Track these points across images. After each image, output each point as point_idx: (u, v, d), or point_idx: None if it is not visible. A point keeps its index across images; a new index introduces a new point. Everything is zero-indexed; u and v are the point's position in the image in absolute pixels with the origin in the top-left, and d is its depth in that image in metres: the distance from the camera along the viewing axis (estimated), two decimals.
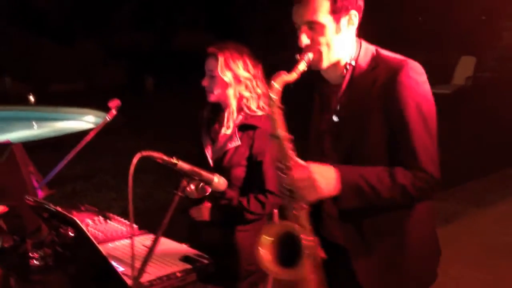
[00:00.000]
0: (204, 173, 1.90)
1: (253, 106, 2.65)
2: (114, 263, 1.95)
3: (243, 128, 2.64)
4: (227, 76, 2.61)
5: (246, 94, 2.64)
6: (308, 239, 1.70)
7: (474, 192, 5.88)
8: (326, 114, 1.91)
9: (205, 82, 2.68)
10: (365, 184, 1.71)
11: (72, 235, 2.00)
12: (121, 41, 17.31)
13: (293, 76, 1.75)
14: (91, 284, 1.91)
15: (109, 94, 2.76)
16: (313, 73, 1.92)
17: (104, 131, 2.74)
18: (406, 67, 1.75)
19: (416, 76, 1.76)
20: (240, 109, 2.67)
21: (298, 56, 1.78)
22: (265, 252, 1.74)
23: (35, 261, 2.09)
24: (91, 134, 2.63)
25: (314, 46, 1.78)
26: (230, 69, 2.62)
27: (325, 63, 1.82)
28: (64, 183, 6.18)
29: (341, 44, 1.81)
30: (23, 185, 2.17)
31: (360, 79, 1.82)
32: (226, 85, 2.63)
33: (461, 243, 4.42)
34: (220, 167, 2.62)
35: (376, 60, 1.82)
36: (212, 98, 2.68)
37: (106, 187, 6.39)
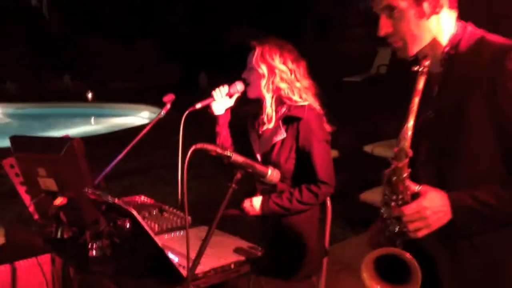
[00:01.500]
0: (258, 166, 1.91)
1: (295, 97, 2.64)
2: (169, 254, 1.98)
3: (287, 120, 2.64)
4: (262, 68, 2.62)
5: (283, 85, 2.63)
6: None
7: None
8: (424, 109, 1.61)
9: (244, 74, 2.72)
10: (482, 207, 1.50)
11: (129, 226, 2.05)
12: (176, 39, 17.56)
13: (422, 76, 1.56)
14: (148, 274, 1.94)
15: (164, 91, 2.81)
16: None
17: (159, 126, 2.79)
18: None
19: None
20: (279, 101, 2.67)
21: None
22: (370, 276, 1.56)
23: (93, 252, 2.15)
24: (147, 129, 2.68)
25: (396, 34, 1.61)
26: (265, 61, 2.63)
27: (413, 50, 1.62)
28: (121, 177, 6.33)
29: (427, 28, 1.59)
30: (82, 178, 2.22)
31: (459, 68, 1.58)
32: (260, 76, 2.64)
33: None
34: (268, 162, 2.62)
35: (479, 45, 1.57)
36: (250, 93, 2.71)
37: (161, 181, 6.50)
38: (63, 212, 2.30)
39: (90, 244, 2.16)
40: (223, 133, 2.84)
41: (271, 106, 2.68)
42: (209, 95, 2.75)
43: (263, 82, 2.65)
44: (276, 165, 2.59)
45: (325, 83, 2.77)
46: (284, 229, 2.65)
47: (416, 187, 1.51)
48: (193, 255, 1.78)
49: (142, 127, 2.64)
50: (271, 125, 2.68)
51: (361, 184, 5.04)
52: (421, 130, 1.61)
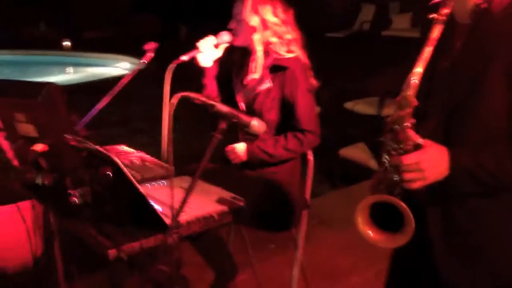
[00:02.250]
0: (243, 116, 1.88)
1: (282, 50, 2.61)
2: (152, 203, 1.96)
3: (273, 69, 2.62)
4: (254, 20, 2.57)
5: (273, 39, 2.60)
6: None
7: None
8: (440, 60, 1.57)
9: (231, 25, 2.65)
10: (480, 170, 1.46)
11: (111, 174, 2.02)
12: None
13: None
14: (130, 221, 1.93)
15: (142, 41, 2.74)
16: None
17: (138, 77, 2.73)
18: None
19: None
20: (267, 54, 2.64)
21: None
22: (363, 221, 1.55)
23: (74, 199, 2.12)
24: (129, 77, 2.62)
25: None
26: (257, 13, 2.58)
27: None
28: (100, 127, 6.26)
29: None
30: (62, 124, 2.17)
31: (489, 26, 1.50)
32: (252, 29, 2.59)
33: None
34: (251, 111, 2.62)
35: None
36: (237, 42, 2.65)
37: (141, 132, 6.46)
38: (43, 158, 2.26)
39: (70, 190, 2.13)
40: (211, 84, 2.80)
41: (259, 58, 2.64)
42: (191, 45, 2.68)
43: (256, 35, 2.60)
44: (258, 115, 2.59)
45: (308, 38, 2.73)
46: (266, 180, 2.65)
47: (419, 140, 1.48)
48: (176, 205, 1.76)
49: (121, 77, 2.58)
50: (257, 75, 2.65)
51: (341, 140, 5.07)
52: (434, 81, 1.58)
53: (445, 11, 1.52)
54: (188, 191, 1.77)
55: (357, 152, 4.66)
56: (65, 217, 2.12)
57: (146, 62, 2.73)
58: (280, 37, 2.61)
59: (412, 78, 1.48)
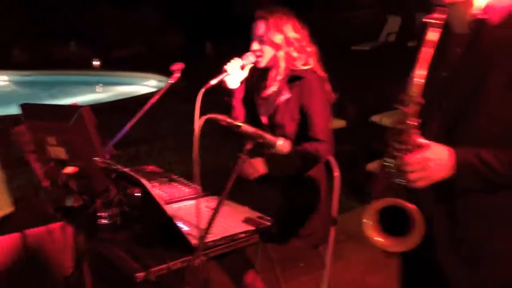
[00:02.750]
0: (268, 136, 1.90)
1: (299, 63, 2.67)
2: (179, 224, 1.99)
3: (290, 80, 2.67)
4: (278, 38, 2.64)
5: (295, 54, 2.66)
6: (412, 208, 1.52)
7: None
8: (439, 69, 1.61)
9: (254, 47, 2.69)
10: (484, 168, 1.49)
11: (139, 195, 2.06)
12: (181, 5, 17.39)
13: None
14: (157, 243, 1.95)
15: (169, 58, 2.78)
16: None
17: (166, 94, 2.77)
18: None
19: None
20: (287, 69, 2.69)
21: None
22: (371, 225, 1.58)
23: (103, 220, 2.16)
24: (156, 97, 2.68)
25: None
26: (281, 31, 2.64)
27: None
28: (128, 145, 6.34)
29: None
30: (92, 147, 2.22)
31: (487, 36, 1.54)
32: (276, 47, 2.65)
33: None
34: (273, 123, 2.65)
35: (511, 15, 1.53)
36: (262, 64, 2.70)
37: (168, 150, 6.51)
38: (73, 180, 2.31)
39: (100, 212, 2.17)
40: (239, 106, 2.83)
41: (281, 73, 2.69)
42: (217, 62, 2.72)
43: (280, 53, 2.66)
44: (281, 127, 2.62)
45: (334, 52, 2.76)
46: (292, 197, 2.66)
47: (423, 140, 1.51)
48: (202, 225, 1.78)
49: (149, 95, 2.63)
50: (275, 87, 2.70)
51: (368, 155, 5.03)
52: (435, 89, 1.61)
53: (441, 16, 1.53)
54: (215, 211, 1.79)
55: None
56: (95, 238, 2.16)
57: (173, 82, 2.78)
58: (301, 51, 2.67)
59: (415, 79, 1.50)
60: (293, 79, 2.68)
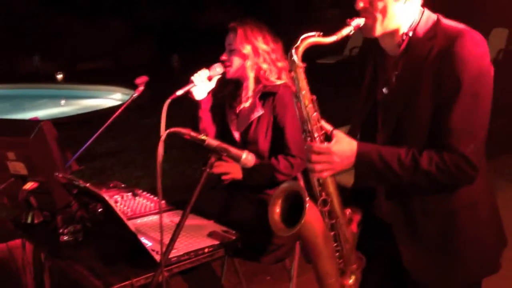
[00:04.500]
0: (232, 149, 1.89)
1: (272, 77, 2.66)
2: (142, 239, 1.96)
3: (263, 96, 2.66)
4: (246, 49, 2.64)
5: (264, 66, 2.67)
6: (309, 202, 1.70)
7: (511, 166, 5.76)
8: (380, 86, 1.79)
9: (224, 56, 2.69)
10: (383, 167, 1.62)
11: (101, 211, 2.02)
12: (149, 19, 17.33)
13: (331, 39, 1.67)
14: (120, 259, 1.92)
15: (136, 72, 2.76)
16: (371, 43, 1.82)
17: (131, 108, 2.74)
18: (463, 37, 1.59)
19: (474, 48, 1.59)
20: (258, 81, 2.69)
21: (347, 20, 1.68)
22: (276, 209, 1.79)
23: (64, 237, 2.11)
24: (119, 110, 2.65)
25: (370, 11, 1.67)
26: (249, 41, 2.65)
27: (378, 31, 1.69)
28: (93, 159, 6.25)
29: (398, 13, 1.67)
30: (53, 162, 2.18)
31: (416, 50, 1.67)
32: (244, 57, 2.66)
33: None
34: (246, 140, 2.64)
35: (435, 29, 1.66)
36: (230, 74, 2.69)
37: (134, 164, 6.44)
38: (33, 196, 2.26)
39: (61, 229, 2.13)
40: (206, 117, 2.81)
41: (251, 85, 2.69)
42: (184, 75, 2.70)
43: (248, 62, 2.65)
44: (254, 143, 2.61)
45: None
46: (257, 212, 2.65)
47: (329, 128, 1.68)
48: (167, 240, 1.76)
49: (113, 108, 2.60)
50: (248, 103, 2.69)
51: None
52: (379, 104, 1.79)
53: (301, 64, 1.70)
54: (178, 226, 1.77)
55: (349, 179, 4.63)
56: (56, 255, 2.10)
57: (137, 95, 2.76)
58: (270, 63, 2.67)
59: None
60: (266, 95, 2.67)
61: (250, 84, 2.68)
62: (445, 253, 1.73)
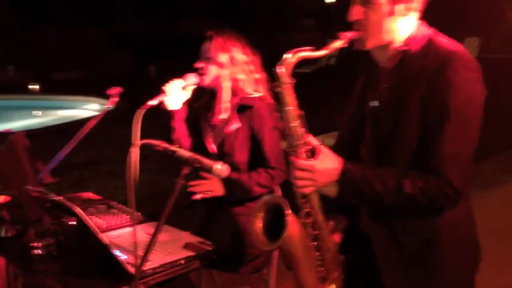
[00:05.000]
0: (205, 160, 1.88)
1: (249, 89, 2.64)
2: (116, 252, 1.94)
3: (240, 109, 2.64)
4: (223, 58, 2.61)
5: (242, 77, 2.64)
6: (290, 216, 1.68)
7: (482, 174, 5.84)
8: (370, 98, 1.78)
9: (199, 64, 2.66)
10: (366, 187, 1.61)
11: (74, 224, 1.99)
12: (125, 29, 17.27)
13: (321, 52, 1.67)
14: (94, 273, 1.89)
15: (113, 82, 2.74)
16: (363, 54, 1.81)
17: (108, 118, 2.72)
18: (456, 60, 1.57)
19: (465, 72, 1.57)
20: (234, 93, 2.66)
21: (339, 34, 1.68)
22: (257, 223, 1.77)
23: (37, 251, 2.08)
24: (93, 122, 2.61)
25: (363, 23, 1.65)
26: (226, 50, 2.62)
27: (370, 44, 1.69)
28: (69, 171, 6.18)
29: (392, 27, 1.65)
30: (25, 174, 2.15)
31: (408, 66, 1.65)
32: (221, 66, 2.62)
33: None
34: (222, 152, 2.62)
35: (428, 46, 1.64)
36: (205, 82, 2.66)
37: (111, 175, 6.38)
38: (5, 210, 2.22)
39: (34, 242, 2.09)
40: (180, 127, 2.78)
41: (226, 96, 2.66)
42: (161, 84, 2.66)
43: (224, 72, 2.62)
44: (230, 156, 2.60)
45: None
46: (233, 222, 2.64)
47: (315, 143, 1.67)
48: (142, 252, 1.74)
49: (89, 119, 2.57)
50: (224, 116, 2.67)
51: None
52: (367, 116, 1.77)
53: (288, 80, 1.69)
54: (153, 238, 1.75)
55: (327, 187, 4.64)
56: (28, 269, 2.07)
57: (111, 106, 2.73)
58: (247, 74, 2.65)
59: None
60: (243, 108, 2.65)
61: (226, 94, 2.67)
62: (423, 272, 1.72)
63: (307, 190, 1.66)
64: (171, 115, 2.73)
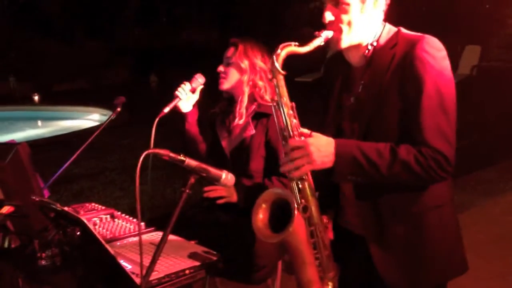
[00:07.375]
0: (212, 170, 1.88)
1: (267, 96, 2.69)
2: (122, 262, 1.93)
3: (257, 116, 2.68)
4: (244, 63, 2.68)
5: (260, 83, 2.70)
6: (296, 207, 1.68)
7: (483, 182, 5.84)
8: (346, 96, 1.88)
9: (220, 68, 2.73)
10: (362, 157, 1.67)
11: (79, 234, 1.99)
12: (125, 39, 17.34)
13: (305, 49, 1.74)
14: (100, 283, 1.89)
15: (114, 92, 2.76)
16: (336, 56, 1.92)
17: (110, 129, 2.73)
18: (422, 41, 1.71)
19: (433, 51, 1.71)
20: (252, 98, 2.71)
21: (316, 33, 1.76)
22: (260, 215, 1.76)
23: (42, 261, 2.08)
24: (97, 131, 2.63)
25: (337, 23, 1.76)
26: (248, 57, 2.70)
27: (345, 43, 1.79)
28: (72, 181, 6.18)
29: (363, 25, 1.77)
30: (29, 185, 2.15)
31: (380, 59, 1.78)
32: (241, 71, 2.70)
33: (470, 233, 4.38)
34: (237, 158, 2.64)
35: (396, 38, 1.78)
36: (225, 86, 2.73)
37: (113, 185, 6.37)
38: (10, 220, 2.22)
39: (39, 253, 2.09)
40: (193, 130, 2.83)
41: (244, 101, 2.71)
42: (162, 97, 2.72)
43: (244, 77, 2.69)
44: (245, 162, 2.61)
45: None
46: (238, 232, 2.64)
47: (308, 132, 1.73)
48: (147, 262, 1.74)
49: (92, 129, 2.58)
50: (241, 121, 2.71)
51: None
52: (346, 113, 1.87)
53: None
54: (158, 248, 1.75)
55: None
56: (34, 280, 2.06)
57: (114, 116, 2.75)
58: (266, 82, 2.70)
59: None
60: (259, 115, 2.68)
61: (245, 100, 2.71)
62: (413, 255, 1.79)
63: (304, 169, 1.67)
64: (183, 119, 2.78)
